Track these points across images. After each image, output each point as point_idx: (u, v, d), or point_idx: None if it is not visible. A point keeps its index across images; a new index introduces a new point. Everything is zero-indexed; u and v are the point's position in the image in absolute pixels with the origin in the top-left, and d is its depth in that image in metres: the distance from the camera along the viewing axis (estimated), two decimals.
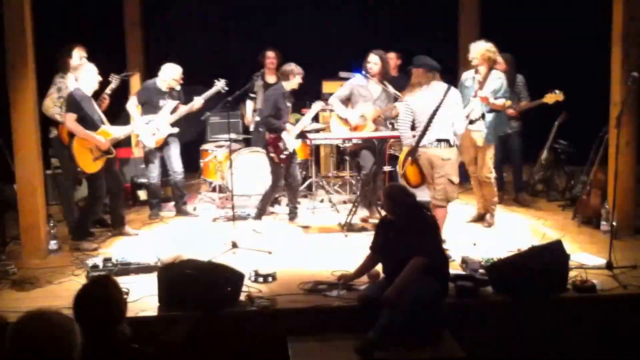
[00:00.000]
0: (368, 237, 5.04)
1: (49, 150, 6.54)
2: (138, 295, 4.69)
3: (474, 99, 6.08)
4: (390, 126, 6.71)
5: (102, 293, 2.79)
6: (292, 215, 6.82)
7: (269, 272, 5.09)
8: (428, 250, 4.32)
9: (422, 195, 5.92)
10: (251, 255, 5.65)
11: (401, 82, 6.57)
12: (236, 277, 4.62)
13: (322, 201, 7.48)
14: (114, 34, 8.44)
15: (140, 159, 7.63)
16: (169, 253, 5.22)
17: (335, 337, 4.33)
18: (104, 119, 6.14)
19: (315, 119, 7.48)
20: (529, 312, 4.63)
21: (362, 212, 6.75)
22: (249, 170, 7.26)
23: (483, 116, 6.18)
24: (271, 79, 7.79)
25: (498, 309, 4.68)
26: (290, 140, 6.59)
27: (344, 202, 7.41)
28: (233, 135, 6.78)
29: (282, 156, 6.56)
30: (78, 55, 6.21)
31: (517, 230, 6.37)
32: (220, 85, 6.87)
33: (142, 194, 7.50)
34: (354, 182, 7.77)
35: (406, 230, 4.38)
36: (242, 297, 4.64)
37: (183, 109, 6.84)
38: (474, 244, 5.82)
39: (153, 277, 4.75)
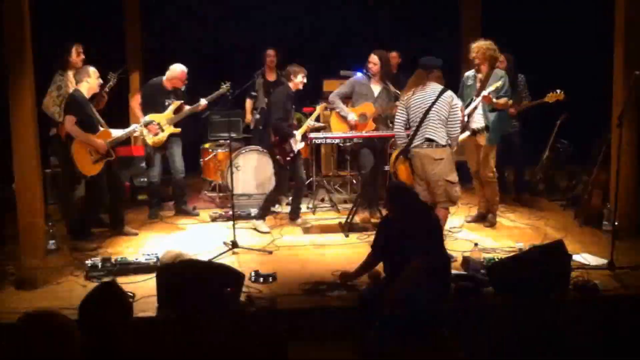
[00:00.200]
0: (369, 237, 5.02)
1: (47, 149, 6.52)
2: (138, 295, 4.68)
3: (476, 101, 6.08)
4: (391, 125, 6.69)
5: (108, 299, 2.80)
6: (294, 215, 6.80)
7: (269, 273, 5.08)
8: (430, 250, 4.30)
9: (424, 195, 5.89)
10: (251, 255, 5.64)
11: (401, 81, 6.56)
12: (236, 277, 4.60)
13: (322, 200, 7.46)
14: (114, 34, 8.43)
15: (140, 158, 7.61)
16: (169, 253, 5.20)
17: (336, 338, 4.31)
18: (102, 121, 6.12)
19: (316, 118, 7.46)
20: (530, 312, 4.60)
21: (363, 213, 6.73)
22: (249, 170, 7.24)
23: (487, 128, 6.11)
24: (271, 77, 7.84)
25: (499, 310, 4.66)
26: (295, 142, 6.58)
27: (345, 202, 7.40)
28: (233, 135, 6.76)
29: (288, 158, 6.54)
30: (77, 54, 6.20)
31: (519, 230, 6.35)
32: (225, 87, 6.93)
33: (142, 194, 7.48)
34: (354, 181, 7.76)
35: (408, 230, 4.36)
36: (242, 297, 4.62)
37: (187, 109, 6.85)
38: (476, 244, 5.79)
39: (153, 277, 4.73)
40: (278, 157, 6.53)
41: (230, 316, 4.48)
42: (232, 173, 6.24)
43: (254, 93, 7.90)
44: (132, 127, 6.52)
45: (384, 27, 8.99)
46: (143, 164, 7.42)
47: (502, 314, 4.64)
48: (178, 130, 6.86)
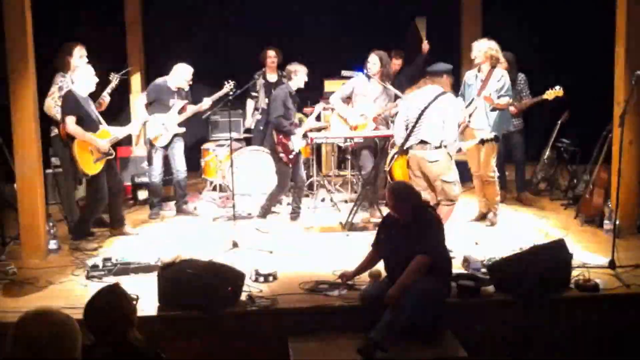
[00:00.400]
0: (369, 237, 5.02)
1: (49, 149, 6.53)
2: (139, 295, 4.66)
3: (478, 99, 6.07)
4: (391, 125, 6.70)
5: (112, 301, 2.82)
6: (295, 215, 6.80)
7: (269, 272, 5.07)
8: (431, 249, 4.30)
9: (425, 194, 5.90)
10: (252, 255, 5.64)
11: (401, 81, 6.57)
12: (237, 277, 4.60)
13: (323, 200, 7.46)
14: (114, 34, 8.43)
15: (140, 158, 7.61)
16: (169, 253, 5.19)
17: (337, 337, 4.31)
18: (101, 119, 6.12)
19: (317, 117, 7.47)
20: (531, 311, 4.60)
21: (363, 212, 6.72)
22: (249, 170, 7.24)
23: (497, 138, 5.96)
24: (272, 77, 7.85)
25: (500, 308, 4.65)
26: (296, 141, 6.58)
27: (345, 201, 7.39)
28: (234, 135, 6.76)
29: (291, 156, 6.53)
30: (78, 55, 6.19)
31: (520, 229, 6.34)
32: (229, 87, 6.92)
33: (142, 194, 7.49)
34: (355, 181, 7.75)
35: (409, 229, 4.36)
36: (243, 296, 4.62)
37: (191, 109, 6.86)
38: (476, 243, 5.81)
39: (153, 277, 4.73)
40: (282, 155, 6.53)
41: (230, 316, 4.48)
42: (232, 173, 6.25)
43: (254, 94, 7.90)
44: (130, 125, 6.52)
45: (385, 26, 8.98)
46: (144, 164, 7.42)
47: (502, 313, 4.64)
48: (182, 130, 6.87)
